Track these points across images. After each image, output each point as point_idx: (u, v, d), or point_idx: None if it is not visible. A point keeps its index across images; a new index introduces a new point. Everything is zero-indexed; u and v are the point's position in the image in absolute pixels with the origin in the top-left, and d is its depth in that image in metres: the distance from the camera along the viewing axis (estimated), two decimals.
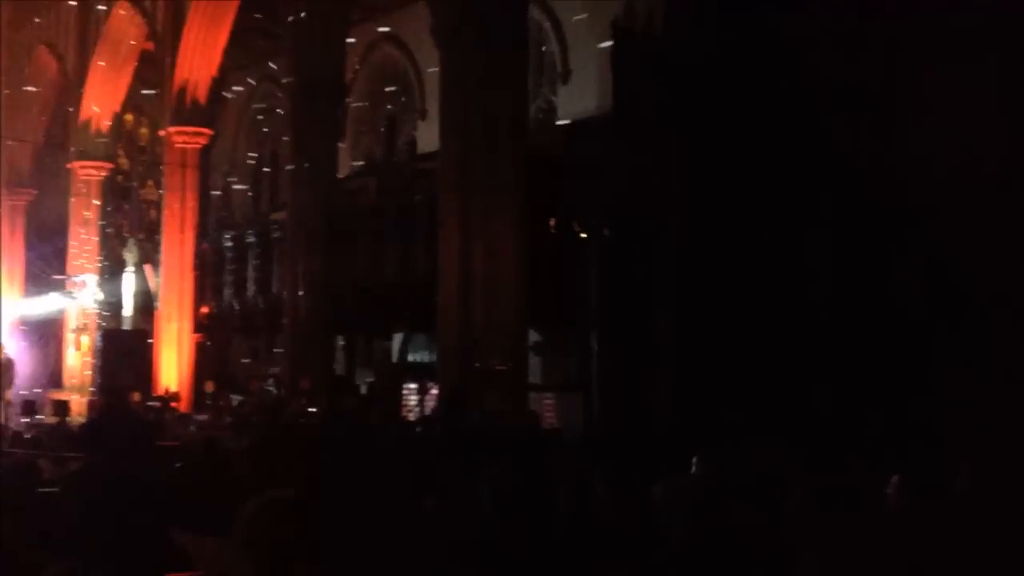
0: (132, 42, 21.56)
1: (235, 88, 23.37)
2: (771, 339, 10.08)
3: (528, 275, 12.04)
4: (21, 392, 19.06)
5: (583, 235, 10.78)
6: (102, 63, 21.84)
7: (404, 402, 14.74)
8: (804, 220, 10.19)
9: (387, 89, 21.44)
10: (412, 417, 14.05)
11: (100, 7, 21.82)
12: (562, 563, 5.30)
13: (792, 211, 10.11)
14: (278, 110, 21.13)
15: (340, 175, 17.50)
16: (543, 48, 17.60)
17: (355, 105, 20.62)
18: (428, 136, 18.24)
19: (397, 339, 17.64)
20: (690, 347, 10.52)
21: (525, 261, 12.05)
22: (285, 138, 18.22)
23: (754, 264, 10.26)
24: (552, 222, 11.17)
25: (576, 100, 16.66)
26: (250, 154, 24.85)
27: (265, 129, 24.19)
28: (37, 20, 23.45)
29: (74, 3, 22.34)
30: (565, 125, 16.27)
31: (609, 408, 10.90)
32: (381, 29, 20.15)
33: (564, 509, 6.26)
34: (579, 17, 16.44)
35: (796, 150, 10.08)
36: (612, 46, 11.66)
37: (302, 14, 15.96)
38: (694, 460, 6.95)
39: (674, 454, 7.71)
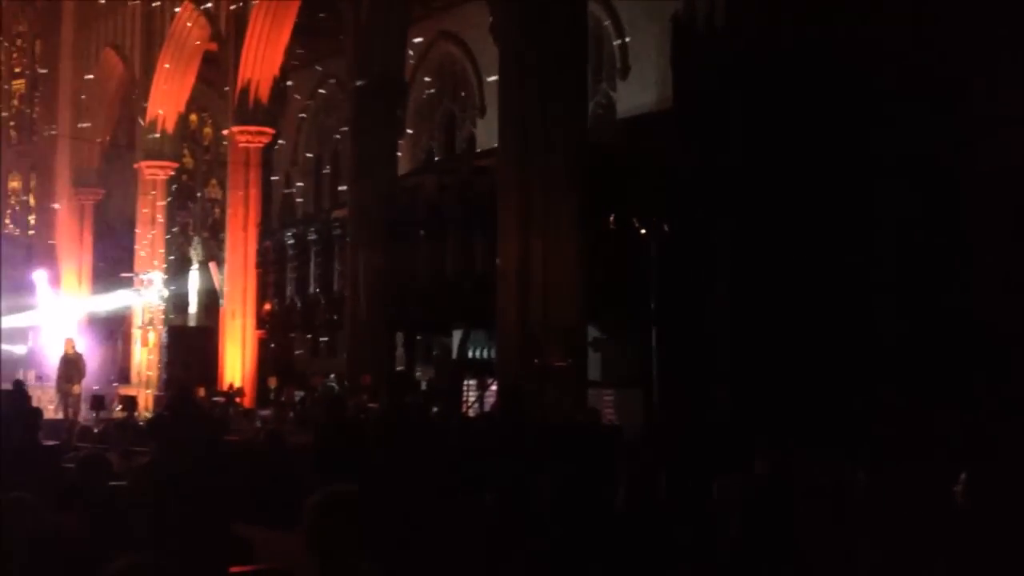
0: (196, 43, 21.89)
1: (296, 87, 23.64)
2: (834, 336, 9.95)
3: (587, 271, 12.01)
4: (93, 387, 19.46)
5: (643, 231, 10.72)
6: (167, 64, 22.21)
7: (464, 398, 14.78)
8: (867, 213, 10.04)
9: (446, 87, 21.53)
10: (472, 413, 14.09)
11: (162, 7, 22.21)
12: (623, 559, 5.28)
13: (855, 204, 9.97)
14: (339, 108, 21.34)
15: (400, 172, 17.62)
16: (602, 43, 17.54)
17: (415, 102, 20.74)
18: (487, 133, 18.30)
19: (457, 335, 17.72)
20: (750, 343, 10.42)
21: (584, 257, 12.02)
22: (343, 136, 18.41)
23: (816, 259, 10.13)
24: (611, 218, 11.12)
25: (636, 95, 16.59)
26: (311, 153, 25.12)
27: (326, 127, 24.43)
28: (105, 22, 23.91)
29: (137, 1, 22.73)
30: (625, 120, 16.21)
31: (669, 404, 10.83)
32: (440, 27, 20.25)
33: (624, 505, 6.25)
34: (638, 11, 16.35)
35: (858, 142, 9.93)
36: (672, 40, 11.58)
37: (363, 13, 16.09)
38: (755, 457, 6.88)
39: (735, 451, 7.64)
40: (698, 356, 10.65)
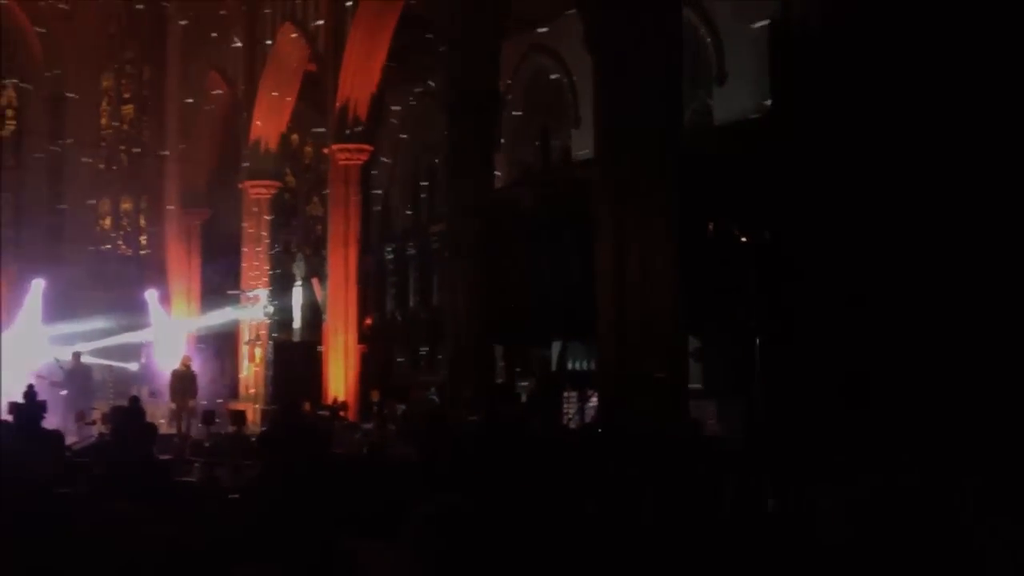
0: (296, 64, 22.40)
1: (394, 104, 23.99)
2: (941, 341, 9.66)
3: (686, 280, 11.89)
4: (202, 402, 20.01)
5: (743, 238, 10.57)
6: (269, 85, 22.78)
7: (564, 410, 14.76)
8: (973, 218, 9.73)
9: (541, 99, 21.61)
10: (572, 425, 14.06)
11: (264, 30, 22.79)
12: (725, 572, 5.21)
13: (959, 208, 9.67)
14: (436, 124, 21.58)
15: (496, 186, 17.72)
16: (698, 50, 17.39)
17: (510, 116, 20.85)
18: (582, 143, 18.30)
19: (556, 347, 17.72)
20: (855, 350, 10.18)
21: (683, 266, 11.91)
22: (439, 151, 18.60)
23: (920, 264, 9.86)
24: (710, 226, 10.99)
25: (733, 101, 16.41)
26: (409, 169, 25.46)
27: (423, 143, 24.74)
28: (209, 46, 24.62)
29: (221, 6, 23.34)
30: (722, 126, 16.03)
31: (772, 415, 10.65)
32: (534, 40, 20.33)
33: (727, 516, 6.16)
34: (734, 17, 16.17)
35: (961, 146, 9.65)
36: (769, 44, 11.43)
37: (456, 29, 16.25)
38: (862, 468, 6.72)
39: (842, 461, 7.47)
40: (802, 364, 10.45)
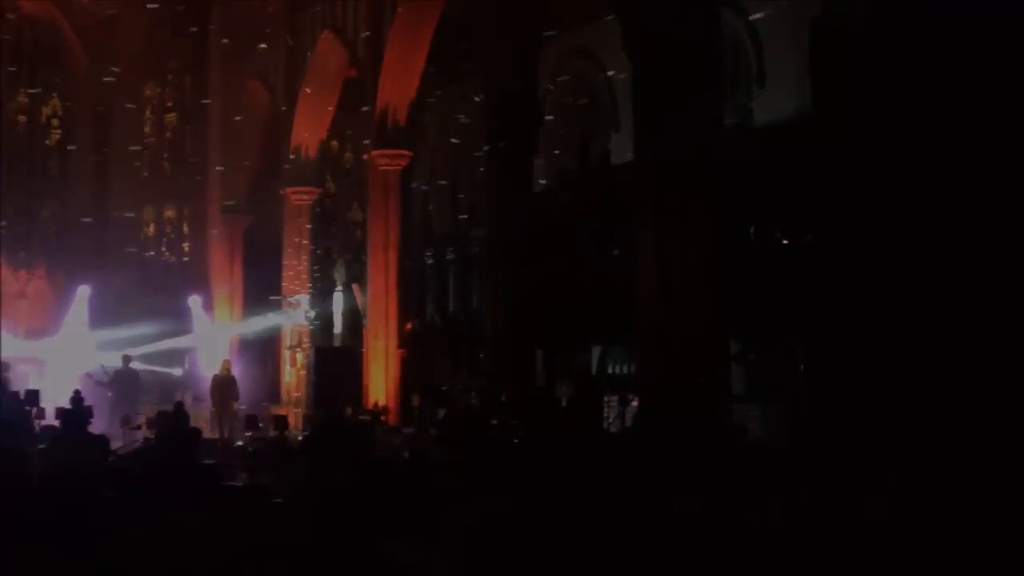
0: (336, 71, 22.54)
1: (433, 109, 24.05)
2: (991, 346, 9.49)
3: (728, 283, 11.82)
4: (243, 407, 20.16)
5: (785, 241, 10.49)
6: (309, 92, 22.94)
7: (604, 414, 14.72)
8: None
9: (580, 103, 21.58)
10: (613, 429, 14.02)
11: (304, 37, 22.97)
12: None
13: (1015, 210, 9.51)
14: (475, 128, 21.62)
15: (535, 190, 17.72)
16: (737, 52, 17.29)
17: (549, 120, 20.84)
18: (622, 147, 18.24)
19: (596, 351, 17.68)
20: (901, 355, 10.05)
21: (724, 269, 11.83)
22: (479, 155, 18.64)
23: (973, 266, 9.70)
24: (752, 228, 10.92)
25: (773, 103, 16.28)
26: (448, 173, 25.50)
27: (462, 147, 24.78)
28: (250, 55, 24.85)
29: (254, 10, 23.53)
30: (763, 129, 15.92)
31: (816, 419, 10.55)
32: (572, 44, 20.30)
33: (771, 523, 6.09)
34: (773, 19, 16.05)
35: (1015, 146, 9.48)
36: (810, 45, 11.33)
37: (495, 34, 16.28)
38: (906, 473, 6.63)
39: (885, 467, 7.37)
40: (847, 368, 10.33)
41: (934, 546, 5.39)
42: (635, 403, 13.57)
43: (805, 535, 5.66)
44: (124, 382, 19.98)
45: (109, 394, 19.34)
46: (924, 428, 9.18)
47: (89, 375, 18.87)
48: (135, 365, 21.17)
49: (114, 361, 20.79)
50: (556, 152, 22.00)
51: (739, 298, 11.89)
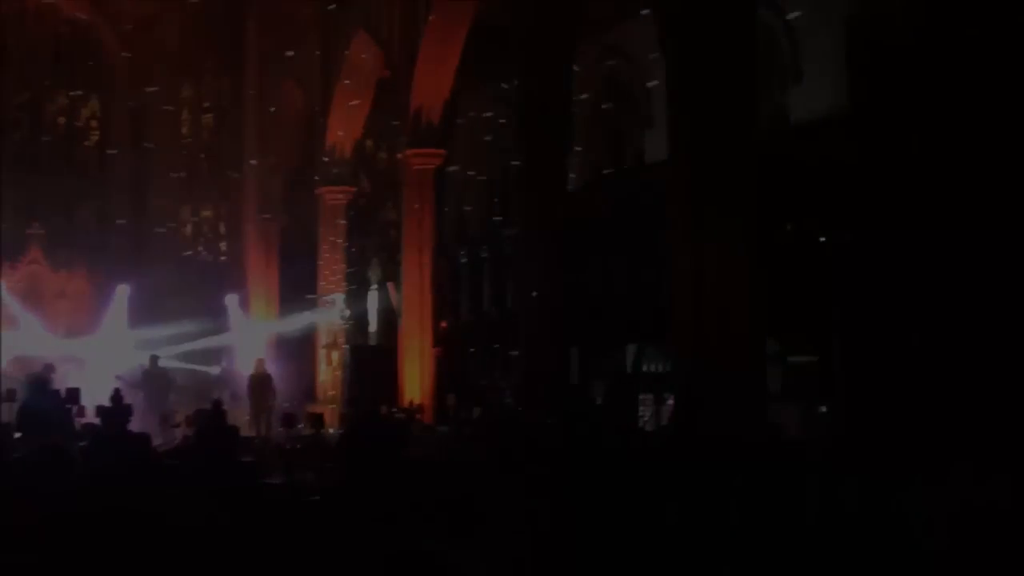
0: (370, 71, 22.65)
1: (467, 108, 24.10)
2: None
3: (764, 282, 11.74)
4: (281, 405, 20.32)
5: (822, 239, 10.41)
6: (344, 93, 23.07)
7: (640, 413, 14.69)
8: None
9: (613, 101, 21.54)
10: (648, 428, 13.99)
11: (338, 38, 23.09)
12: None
13: None
14: (508, 127, 21.63)
15: (569, 188, 17.70)
16: (773, 49, 17.17)
17: (582, 118, 20.81)
18: (656, 145, 18.18)
19: (631, 350, 17.64)
20: (939, 353, 9.96)
21: (760, 268, 11.76)
22: (513, 154, 18.64)
23: (1008, 267, 9.61)
24: (788, 227, 10.85)
25: (809, 100, 16.16)
26: (482, 172, 25.55)
27: (496, 146, 24.80)
28: (285, 56, 25.02)
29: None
30: (799, 126, 15.81)
31: (855, 418, 10.47)
32: (606, 42, 20.27)
33: (810, 522, 6.06)
34: (810, 15, 15.94)
35: None
36: (847, 42, 11.24)
37: (528, 33, 16.28)
38: (949, 471, 6.56)
39: (927, 465, 7.30)
40: (885, 367, 10.25)
41: (974, 546, 5.34)
42: (670, 402, 13.53)
43: (839, 534, 5.63)
44: (154, 382, 20.18)
45: (141, 394, 19.56)
46: (966, 425, 9.10)
47: (119, 377, 19.12)
48: (165, 363, 21.39)
49: (146, 361, 21.02)
50: (590, 150, 21.97)
51: (776, 297, 11.81)
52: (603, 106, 21.76)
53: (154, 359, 20.88)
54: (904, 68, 10.25)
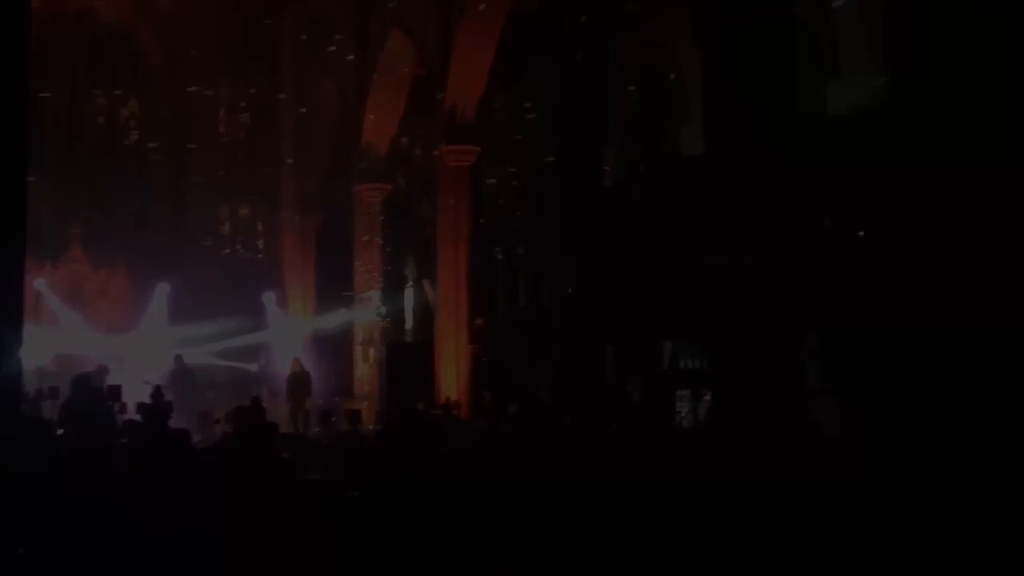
0: (406, 68, 22.71)
1: (502, 104, 24.07)
2: None
3: (801, 276, 11.66)
4: (318, 402, 20.45)
5: (860, 233, 10.32)
6: (379, 90, 23.15)
7: (676, 409, 14.63)
8: None
9: (650, 96, 21.44)
10: (685, 424, 13.94)
11: (373, 36, 23.17)
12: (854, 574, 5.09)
13: None
14: (544, 123, 21.60)
15: (605, 184, 17.65)
16: (810, 43, 17.01)
17: (618, 113, 20.75)
18: (692, 140, 18.09)
19: (668, 347, 17.58)
20: (982, 348, 9.81)
21: (797, 262, 11.68)
22: (549, 150, 18.63)
23: None
24: (826, 221, 10.76)
25: (847, 93, 16.01)
26: (518, 168, 25.53)
27: (532, 142, 24.78)
28: (320, 54, 25.17)
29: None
30: (836, 119, 15.67)
31: (892, 414, 10.35)
32: (642, 37, 20.17)
33: (846, 519, 6.00)
34: (848, 8, 15.78)
35: None
36: (885, 36, 11.11)
37: (565, 28, 16.26)
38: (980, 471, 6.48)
39: (968, 464, 7.22)
40: (923, 364, 10.12)
41: (1011, 546, 5.27)
42: (707, 398, 13.47)
43: (872, 530, 5.58)
44: (178, 380, 20.39)
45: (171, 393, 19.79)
46: (1003, 425, 8.97)
47: (147, 382, 19.37)
48: (195, 361, 21.61)
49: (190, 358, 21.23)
50: (626, 146, 21.90)
51: (813, 291, 11.72)
52: (639, 100, 21.67)
53: (178, 358, 21.11)
54: (944, 61, 10.11)
